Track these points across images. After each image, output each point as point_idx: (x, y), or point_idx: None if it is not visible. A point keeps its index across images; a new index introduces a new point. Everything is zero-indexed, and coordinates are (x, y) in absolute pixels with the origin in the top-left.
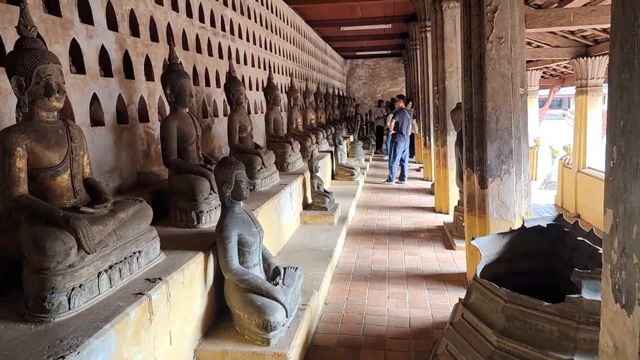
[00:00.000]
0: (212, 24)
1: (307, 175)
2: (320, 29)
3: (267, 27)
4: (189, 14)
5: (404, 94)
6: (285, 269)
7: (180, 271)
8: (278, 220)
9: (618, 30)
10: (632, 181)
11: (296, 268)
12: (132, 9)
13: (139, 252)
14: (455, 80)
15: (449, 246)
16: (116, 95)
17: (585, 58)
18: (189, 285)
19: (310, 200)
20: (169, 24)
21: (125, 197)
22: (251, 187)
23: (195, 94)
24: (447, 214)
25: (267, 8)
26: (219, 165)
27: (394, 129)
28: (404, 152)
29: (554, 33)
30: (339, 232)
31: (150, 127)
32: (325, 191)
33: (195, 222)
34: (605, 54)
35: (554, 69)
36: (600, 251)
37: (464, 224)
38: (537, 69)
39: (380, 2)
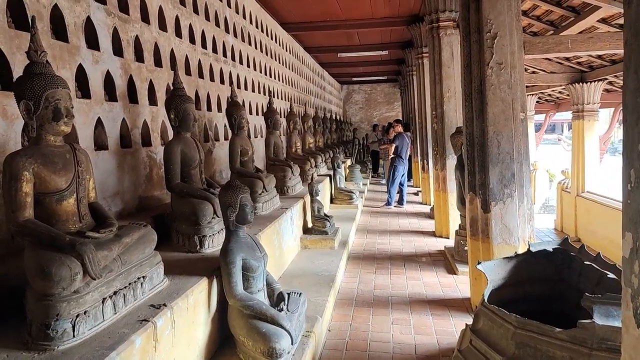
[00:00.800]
0: (214, 50)
1: (307, 199)
2: (318, 55)
3: (267, 54)
4: (192, 40)
5: (400, 118)
6: (289, 294)
7: (185, 297)
8: (279, 245)
9: (632, 56)
10: None
11: (300, 294)
12: (137, 35)
13: (143, 277)
14: (454, 105)
15: (452, 271)
16: (120, 120)
17: (581, 84)
18: (193, 311)
19: (310, 224)
20: (172, 50)
21: (130, 222)
22: (255, 211)
23: (197, 119)
24: (448, 238)
25: (267, 35)
26: (223, 189)
27: (393, 153)
28: (403, 176)
29: (550, 59)
30: (340, 257)
31: (152, 151)
32: (325, 215)
33: (198, 247)
34: (601, 79)
35: (549, 95)
36: (608, 275)
37: (466, 248)
38: (532, 95)
39: (377, 30)
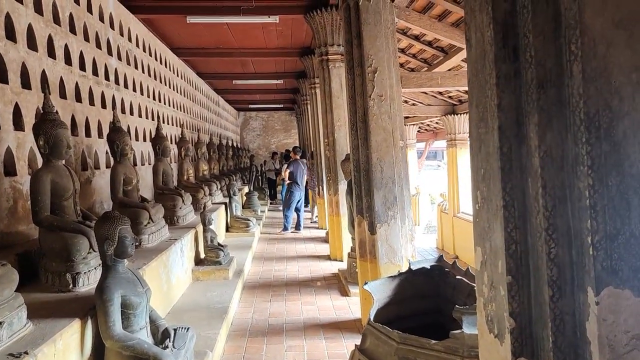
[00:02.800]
0: (95, 73)
1: (200, 228)
2: (213, 81)
3: (155, 78)
4: (68, 61)
5: (298, 145)
6: (175, 330)
7: (52, 342)
8: (167, 279)
9: (474, 92)
10: (494, 222)
11: (187, 328)
12: (0, 53)
13: (0, 323)
14: (344, 133)
15: (344, 293)
16: None
17: (452, 115)
18: (62, 358)
19: (203, 255)
20: (44, 71)
21: None
22: (137, 244)
23: (73, 145)
24: (342, 261)
25: (156, 59)
26: (100, 220)
27: (289, 179)
28: (299, 201)
29: (426, 93)
30: (235, 287)
31: (17, 181)
32: (219, 244)
33: (71, 286)
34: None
35: (428, 124)
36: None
37: (357, 269)
38: (414, 124)
39: (271, 59)
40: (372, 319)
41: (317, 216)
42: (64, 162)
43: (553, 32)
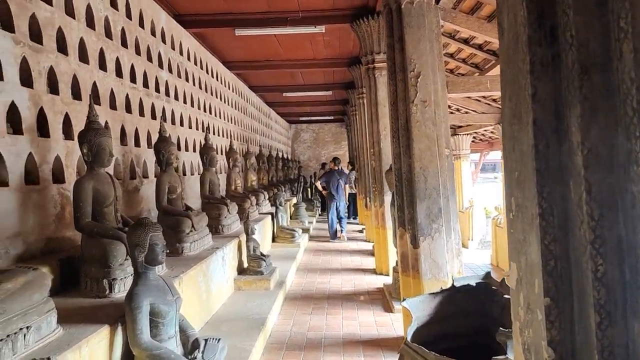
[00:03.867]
0: (145, 85)
1: (243, 238)
2: (264, 94)
3: (206, 90)
4: (119, 74)
5: (347, 157)
6: (206, 340)
7: (77, 349)
8: (207, 287)
9: (506, 84)
10: (530, 233)
11: (219, 339)
12: (51, 66)
13: (27, 327)
14: (389, 143)
15: (388, 309)
16: (25, 154)
17: None
18: None
19: (246, 264)
20: (94, 82)
21: (17, 265)
22: (171, 252)
23: (122, 154)
24: (388, 275)
25: (208, 72)
26: (131, 227)
27: (323, 189)
28: (339, 210)
29: (480, 100)
30: (275, 298)
31: (65, 188)
32: (262, 254)
33: (107, 291)
34: None
35: (483, 134)
36: None
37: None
38: (467, 134)
39: (320, 70)
40: (409, 338)
41: (364, 228)
42: (106, 169)
43: (597, 6)
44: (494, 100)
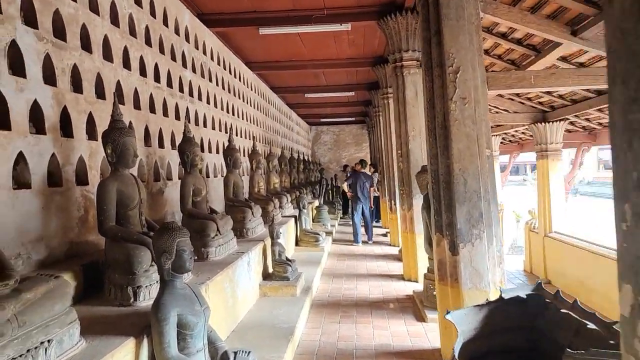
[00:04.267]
0: (169, 85)
1: (268, 242)
2: (285, 95)
3: (229, 91)
4: (143, 73)
5: (368, 159)
6: (235, 353)
7: None
8: (233, 294)
9: (618, 64)
10: None
11: (249, 352)
12: (75, 63)
13: (48, 341)
14: (419, 143)
15: (420, 318)
16: (48, 155)
17: (543, 123)
18: None
19: (271, 269)
20: (118, 81)
21: (39, 272)
22: (197, 257)
23: (146, 156)
24: (417, 281)
25: (230, 72)
26: (157, 232)
27: (349, 192)
28: (364, 213)
29: (512, 99)
30: (302, 305)
31: (89, 190)
32: (287, 259)
33: (132, 300)
34: (562, 119)
35: (513, 135)
36: (588, 325)
37: (434, 293)
38: (497, 135)
39: (343, 70)
40: (456, 355)
41: (388, 232)
42: (129, 171)
43: None
44: (529, 98)
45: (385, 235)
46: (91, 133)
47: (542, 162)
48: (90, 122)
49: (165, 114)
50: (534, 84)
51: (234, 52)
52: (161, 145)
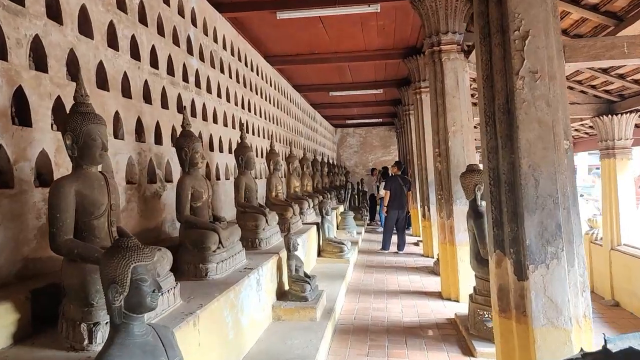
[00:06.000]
0: (170, 73)
1: (284, 254)
2: (308, 94)
3: (245, 85)
4: (135, 55)
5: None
6: None
7: None
8: (236, 322)
9: None
10: None
11: None
12: (37, 34)
13: None
14: (460, 141)
15: (467, 351)
16: None
17: (610, 116)
18: None
19: (287, 286)
20: (101, 62)
21: None
22: (195, 275)
23: (138, 153)
24: (458, 301)
25: (247, 65)
26: (105, 254)
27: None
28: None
29: (572, 88)
30: (323, 333)
31: None
32: (306, 275)
33: (86, 342)
34: (633, 111)
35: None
36: None
37: (487, 323)
38: None
39: (371, 65)
40: None
41: (420, 240)
42: (99, 168)
43: None
44: (593, 86)
45: (416, 244)
46: (60, 122)
47: (607, 162)
48: (60, 109)
49: (165, 105)
50: (627, 54)
51: (250, 43)
52: (158, 141)
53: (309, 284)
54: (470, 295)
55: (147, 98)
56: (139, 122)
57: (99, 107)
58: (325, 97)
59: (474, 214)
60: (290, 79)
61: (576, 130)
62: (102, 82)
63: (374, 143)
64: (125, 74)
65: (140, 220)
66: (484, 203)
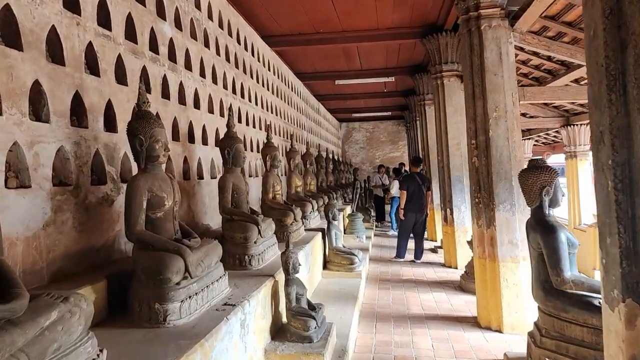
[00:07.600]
0: (131, 38)
1: (281, 276)
2: (311, 83)
3: (237, 66)
4: (72, 7)
5: (406, 159)
6: None
7: None
8: None
9: None
10: None
11: None
12: None
13: None
14: (504, 130)
15: None
16: None
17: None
18: None
19: (285, 319)
20: (7, 5)
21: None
22: (148, 321)
23: (77, 142)
24: (501, 332)
25: (239, 42)
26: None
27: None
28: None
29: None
30: None
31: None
32: (310, 306)
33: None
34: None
35: (546, 137)
36: None
37: None
38: (529, 139)
39: (383, 45)
40: None
41: (438, 247)
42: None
43: None
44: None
45: (434, 250)
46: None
47: (571, 162)
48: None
49: (122, 80)
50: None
51: (244, 17)
52: (111, 128)
53: (314, 319)
54: (531, 334)
55: (92, 68)
56: (77, 100)
57: (3, 72)
58: (330, 87)
59: (541, 226)
60: (293, 64)
61: (554, 136)
62: (12, 36)
63: (382, 138)
64: (54, 29)
65: (79, 238)
66: (552, 211)
